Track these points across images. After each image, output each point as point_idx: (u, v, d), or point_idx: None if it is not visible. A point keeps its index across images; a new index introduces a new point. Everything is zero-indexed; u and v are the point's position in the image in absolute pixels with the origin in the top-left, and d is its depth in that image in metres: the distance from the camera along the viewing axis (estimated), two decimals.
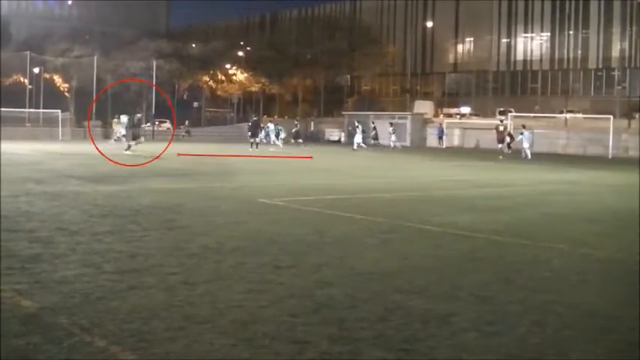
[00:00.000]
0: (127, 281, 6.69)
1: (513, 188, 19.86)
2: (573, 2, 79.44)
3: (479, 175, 24.89)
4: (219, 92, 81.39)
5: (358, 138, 45.89)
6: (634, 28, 74.89)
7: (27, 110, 57.20)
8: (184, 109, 78.30)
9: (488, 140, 46.58)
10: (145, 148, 33.30)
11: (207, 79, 77.99)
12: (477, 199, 15.77)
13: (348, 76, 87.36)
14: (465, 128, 58.36)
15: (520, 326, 5.57)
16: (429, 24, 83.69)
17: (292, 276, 7.21)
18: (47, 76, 66.67)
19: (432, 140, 57.53)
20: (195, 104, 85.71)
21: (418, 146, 55.71)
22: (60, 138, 50.18)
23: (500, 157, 38.06)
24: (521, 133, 39.88)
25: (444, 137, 54.97)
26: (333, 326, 5.39)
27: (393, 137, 49.56)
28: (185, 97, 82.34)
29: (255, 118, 44.19)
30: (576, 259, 8.78)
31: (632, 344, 5.27)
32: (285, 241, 9.21)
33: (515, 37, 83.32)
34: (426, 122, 61.73)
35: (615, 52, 76.89)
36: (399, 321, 5.60)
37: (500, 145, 41.30)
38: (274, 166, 27.13)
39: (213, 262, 7.80)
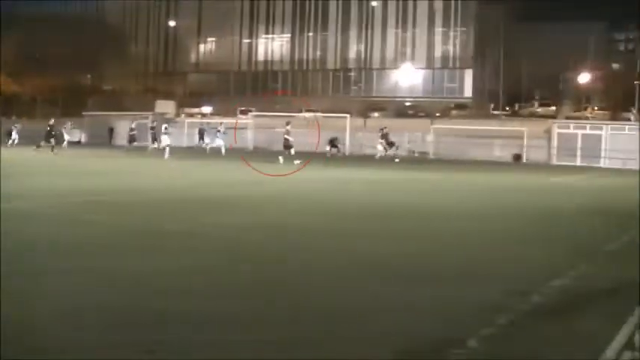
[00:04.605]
0: None
1: (236, 188, 19.25)
2: (313, 4, 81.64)
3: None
4: None
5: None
6: (369, 31, 78.44)
7: None
8: None
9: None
10: None
11: None
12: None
13: (89, 76, 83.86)
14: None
15: None
16: (172, 23, 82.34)
17: None
18: None
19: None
20: None
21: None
22: None
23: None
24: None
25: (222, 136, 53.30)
26: None
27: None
28: None
29: (50, 123, 41.18)
30: None
31: None
32: None
33: (257, 37, 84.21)
34: (168, 122, 60.17)
35: (352, 53, 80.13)
36: None
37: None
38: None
39: None
